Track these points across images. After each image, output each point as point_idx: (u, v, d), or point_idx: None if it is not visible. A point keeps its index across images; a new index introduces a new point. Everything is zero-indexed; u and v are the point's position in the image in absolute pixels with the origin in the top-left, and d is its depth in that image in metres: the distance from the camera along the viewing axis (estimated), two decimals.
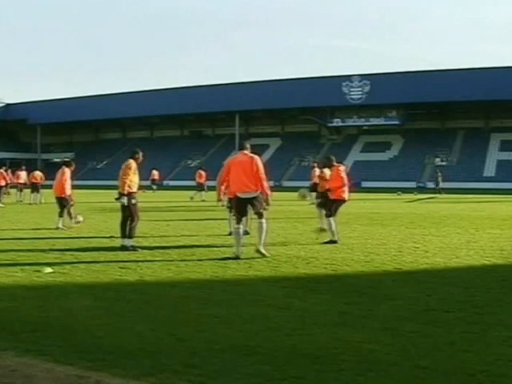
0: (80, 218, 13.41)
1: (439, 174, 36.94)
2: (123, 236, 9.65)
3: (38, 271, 7.29)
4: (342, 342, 4.31)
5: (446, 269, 7.76)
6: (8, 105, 72.73)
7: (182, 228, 13.31)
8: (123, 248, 9.45)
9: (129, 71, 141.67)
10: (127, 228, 9.62)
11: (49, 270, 7.34)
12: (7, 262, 8.16)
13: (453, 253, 9.14)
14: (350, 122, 57.74)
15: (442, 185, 36.08)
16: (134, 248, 9.44)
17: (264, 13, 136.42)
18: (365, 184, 48.41)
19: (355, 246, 9.90)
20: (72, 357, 3.97)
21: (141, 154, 10.06)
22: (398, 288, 6.39)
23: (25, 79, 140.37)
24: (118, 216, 10.13)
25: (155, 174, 39.98)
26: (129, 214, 9.70)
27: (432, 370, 3.71)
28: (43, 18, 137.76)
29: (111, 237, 11.02)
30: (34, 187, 24.71)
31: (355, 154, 56.85)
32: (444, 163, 52.58)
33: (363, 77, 53.88)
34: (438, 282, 6.75)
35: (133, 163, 9.86)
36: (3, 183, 23.78)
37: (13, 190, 26.99)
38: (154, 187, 37.90)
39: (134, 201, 9.75)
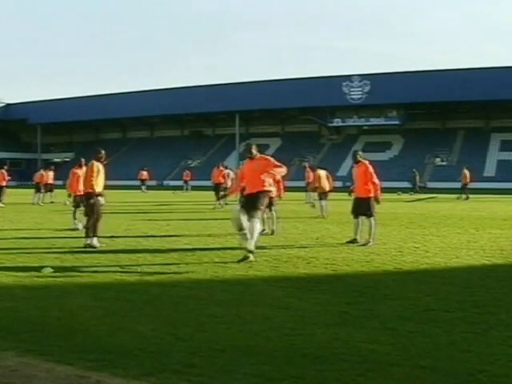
0: (79, 226, 12.76)
1: (416, 173, 36.26)
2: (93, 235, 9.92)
3: (38, 271, 7.30)
4: (342, 342, 4.31)
5: (446, 269, 7.76)
6: (8, 105, 72.71)
7: (181, 228, 13.31)
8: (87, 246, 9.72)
9: (129, 71, 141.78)
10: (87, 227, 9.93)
11: (49, 269, 7.34)
12: (7, 261, 8.17)
13: (453, 253, 9.14)
14: (350, 122, 57.70)
15: (419, 184, 35.80)
16: (90, 246, 9.64)
17: (264, 13, 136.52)
18: None
19: (355, 246, 9.90)
20: (72, 357, 3.97)
21: (103, 153, 10.28)
22: (398, 288, 6.39)
23: (25, 79, 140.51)
24: (117, 216, 10.17)
25: (144, 173, 40.23)
26: (90, 213, 9.97)
27: (432, 370, 3.71)
28: (43, 18, 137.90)
29: (111, 237, 11.05)
30: (37, 187, 24.74)
31: None
32: (444, 163, 52.58)
33: (363, 77, 53.85)
34: (438, 282, 6.75)
35: (95, 164, 10.06)
36: (4, 183, 23.74)
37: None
38: (144, 187, 38.13)
39: (92, 201, 9.97)
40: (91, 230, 9.89)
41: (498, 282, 6.83)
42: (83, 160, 13.96)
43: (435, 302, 5.69)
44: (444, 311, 5.30)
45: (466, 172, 30.23)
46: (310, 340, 4.40)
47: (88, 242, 9.80)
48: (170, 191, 37.67)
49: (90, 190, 10.01)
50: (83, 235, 11.65)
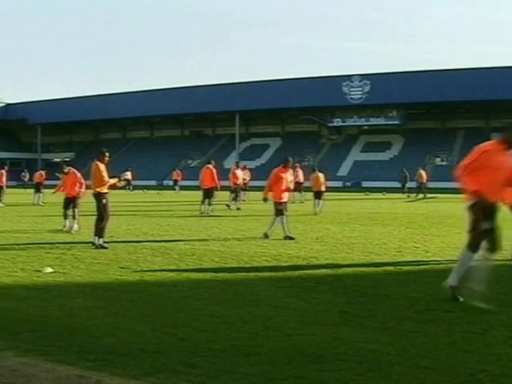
0: (75, 226, 12.69)
1: (406, 174, 34.90)
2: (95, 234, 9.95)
3: (38, 271, 7.30)
4: (342, 342, 4.31)
5: (446, 269, 7.74)
6: (8, 105, 72.70)
7: (182, 228, 13.31)
8: (94, 245, 9.75)
9: (129, 71, 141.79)
10: (98, 227, 9.92)
11: (49, 269, 7.35)
12: (7, 262, 8.17)
13: (453, 253, 9.12)
14: (350, 122, 57.72)
15: (408, 185, 33.93)
16: (102, 247, 9.63)
17: (264, 13, 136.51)
18: (365, 184, 48.42)
19: (355, 246, 9.89)
20: (72, 357, 3.97)
21: (107, 154, 10.32)
22: (398, 288, 6.39)
23: (25, 79, 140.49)
24: (117, 216, 10.18)
25: (128, 174, 40.11)
26: (100, 214, 9.98)
27: (432, 370, 3.71)
28: (43, 18, 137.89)
29: (110, 238, 11.03)
30: (37, 187, 24.74)
31: (355, 154, 56.85)
32: (444, 163, 52.57)
33: (363, 77, 53.86)
34: (438, 282, 6.74)
35: (100, 164, 10.09)
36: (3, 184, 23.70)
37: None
38: (128, 187, 38.06)
39: (104, 201, 9.99)
40: (98, 230, 9.88)
41: (498, 281, 6.82)
42: (70, 168, 13.74)
43: (435, 302, 5.69)
44: (444, 311, 5.30)
45: (422, 172, 31.52)
46: (310, 340, 4.40)
47: (100, 242, 9.76)
48: (171, 192, 37.64)
49: (99, 190, 10.00)
50: (84, 235, 11.70)
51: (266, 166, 56.06)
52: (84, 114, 65.59)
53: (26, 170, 26.15)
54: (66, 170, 13.66)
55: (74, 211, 12.99)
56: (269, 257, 8.62)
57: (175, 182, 38.79)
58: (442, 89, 48.99)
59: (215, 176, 18.23)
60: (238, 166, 22.77)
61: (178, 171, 40.65)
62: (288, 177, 11.58)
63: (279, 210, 11.21)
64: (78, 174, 13.37)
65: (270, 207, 11.90)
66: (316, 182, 19.23)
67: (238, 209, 19.86)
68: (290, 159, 11.84)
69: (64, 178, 14.08)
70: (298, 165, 25.65)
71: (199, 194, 18.96)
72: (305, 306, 5.52)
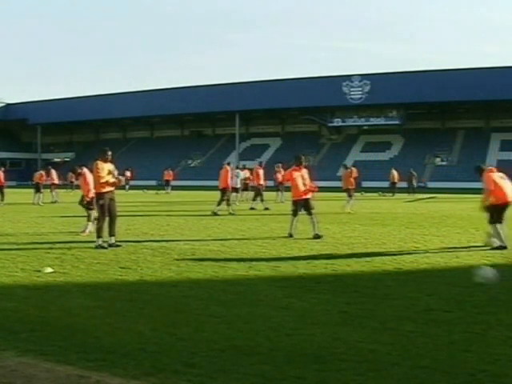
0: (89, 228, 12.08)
1: (414, 174, 34.61)
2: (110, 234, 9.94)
3: (38, 271, 7.31)
4: (342, 342, 4.32)
5: (446, 269, 7.76)
6: (8, 105, 72.68)
7: (182, 228, 13.31)
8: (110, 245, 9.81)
9: (129, 71, 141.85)
10: (96, 227, 9.93)
11: (49, 269, 7.36)
12: (7, 262, 8.17)
13: (453, 253, 9.14)
14: (350, 122, 57.70)
15: (418, 184, 34.63)
16: (101, 247, 9.60)
17: (264, 13, 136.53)
18: (365, 184, 48.42)
19: (355, 246, 9.90)
20: (72, 357, 3.98)
21: (109, 153, 10.13)
22: (398, 288, 6.39)
23: (25, 79, 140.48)
24: (117, 217, 10.18)
25: (127, 174, 40.17)
26: (99, 215, 9.93)
27: (432, 370, 3.71)
28: (43, 18, 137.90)
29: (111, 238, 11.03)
30: (37, 187, 24.73)
31: (355, 154, 56.83)
32: (444, 163, 52.57)
33: (363, 77, 53.84)
34: (438, 282, 6.75)
35: (100, 164, 9.92)
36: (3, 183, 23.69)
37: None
38: (127, 187, 38.00)
39: (101, 201, 9.84)
40: (96, 230, 9.89)
41: (498, 281, 6.83)
42: (83, 168, 12.99)
43: (435, 301, 5.69)
44: (444, 311, 5.30)
45: (394, 172, 32.74)
46: (310, 340, 4.40)
47: (99, 242, 9.71)
48: (171, 192, 37.60)
49: (97, 191, 9.95)
50: (84, 235, 11.71)
51: (266, 166, 56.14)
52: (84, 114, 65.57)
53: (40, 170, 25.97)
54: (79, 171, 13.15)
55: (88, 212, 12.34)
56: (269, 257, 8.62)
57: (167, 182, 38.76)
58: (442, 89, 48.98)
59: (229, 177, 18.17)
60: (261, 166, 22.58)
61: (170, 171, 40.57)
62: (303, 175, 11.50)
63: (293, 210, 11.50)
64: (88, 175, 12.28)
65: (273, 207, 11.89)
66: (347, 178, 19.31)
67: (267, 208, 19.45)
68: (302, 157, 11.92)
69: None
70: (280, 165, 25.87)
71: (198, 195, 18.93)
72: (305, 305, 5.52)
